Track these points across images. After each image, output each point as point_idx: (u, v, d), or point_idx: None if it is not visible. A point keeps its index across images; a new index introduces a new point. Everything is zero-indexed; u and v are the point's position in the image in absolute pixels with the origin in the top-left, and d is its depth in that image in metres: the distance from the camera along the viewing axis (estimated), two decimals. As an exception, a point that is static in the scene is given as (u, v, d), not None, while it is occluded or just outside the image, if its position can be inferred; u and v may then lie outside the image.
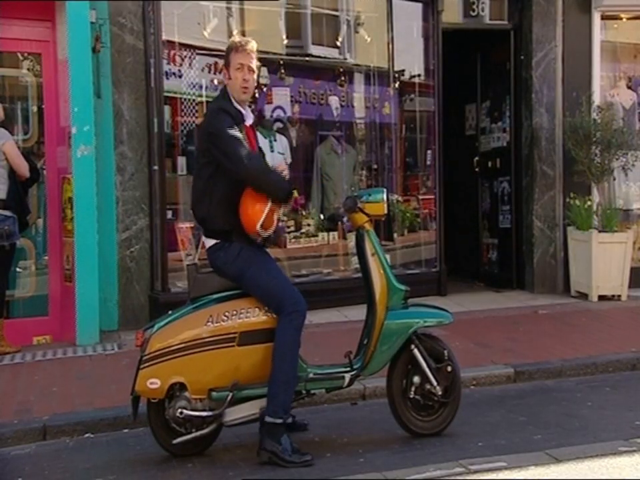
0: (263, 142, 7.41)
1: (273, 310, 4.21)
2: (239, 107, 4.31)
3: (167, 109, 7.43)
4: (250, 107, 4.51)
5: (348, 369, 4.37)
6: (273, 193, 4.18)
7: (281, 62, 8.24)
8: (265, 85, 8.05)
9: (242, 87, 4.31)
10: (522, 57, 8.69)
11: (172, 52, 7.50)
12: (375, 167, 8.82)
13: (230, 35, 8.00)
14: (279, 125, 8.35)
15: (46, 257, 7.14)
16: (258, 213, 4.15)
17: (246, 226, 4.18)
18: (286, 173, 4.35)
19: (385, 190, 4.54)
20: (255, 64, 4.37)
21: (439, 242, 8.56)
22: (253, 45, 4.36)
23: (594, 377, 5.79)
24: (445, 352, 4.46)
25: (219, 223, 4.26)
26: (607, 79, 8.92)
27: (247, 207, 4.17)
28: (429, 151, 8.85)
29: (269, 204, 4.16)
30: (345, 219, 4.56)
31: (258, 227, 4.15)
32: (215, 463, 4.26)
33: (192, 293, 4.34)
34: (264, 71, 7.83)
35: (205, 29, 7.78)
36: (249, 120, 4.39)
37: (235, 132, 4.19)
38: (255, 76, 4.41)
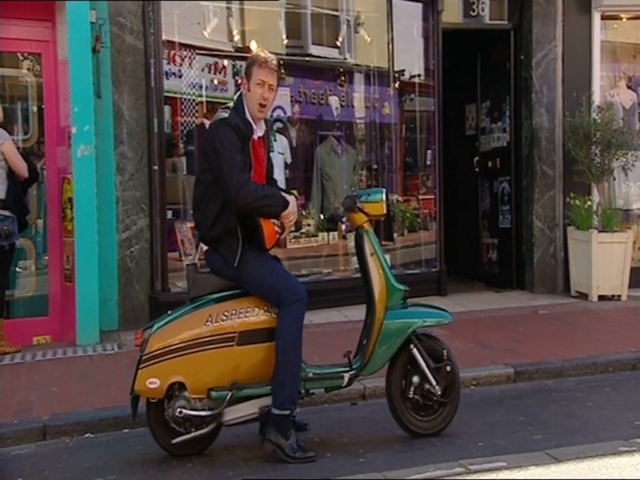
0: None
1: (274, 303, 4.21)
2: (250, 119, 4.28)
3: (167, 109, 7.44)
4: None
5: (347, 368, 4.37)
6: (263, 215, 4.21)
7: (281, 62, 8.22)
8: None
9: (259, 103, 4.28)
10: (522, 57, 8.69)
11: (172, 52, 7.50)
12: (375, 167, 8.83)
13: (230, 35, 8.01)
14: (278, 124, 8.35)
15: (46, 257, 7.14)
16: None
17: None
18: (294, 210, 4.32)
19: (384, 190, 4.54)
20: (276, 82, 4.35)
21: (439, 242, 8.56)
22: (276, 63, 4.35)
23: (594, 376, 5.79)
24: (445, 352, 4.45)
25: (211, 231, 4.26)
26: (607, 78, 8.92)
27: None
28: (428, 151, 8.85)
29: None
30: (344, 219, 4.55)
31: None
32: (215, 463, 4.26)
33: (191, 293, 4.34)
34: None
35: (205, 29, 7.79)
36: (259, 132, 4.36)
37: (237, 153, 4.15)
38: (275, 94, 4.38)
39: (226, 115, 4.27)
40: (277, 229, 4.27)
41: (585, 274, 8.13)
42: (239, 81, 7.53)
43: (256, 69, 4.30)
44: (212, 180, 4.25)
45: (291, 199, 4.33)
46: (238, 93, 4.46)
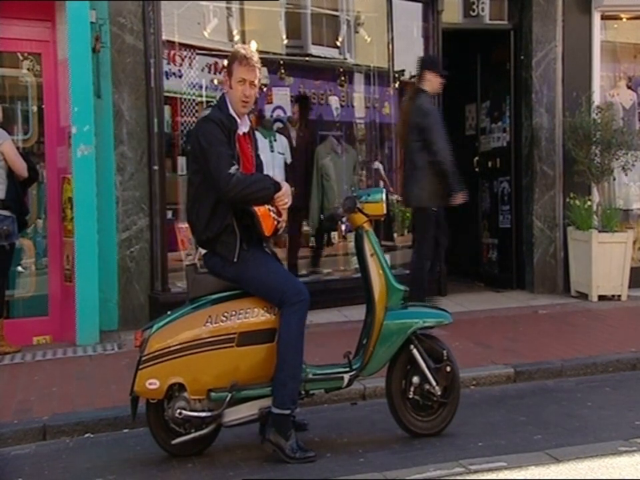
0: (263, 142, 7.42)
1: (276, 304, 4.20)
2: (233, 115, 4.29)
3: (166, 109, 7.44)
4: (249, 113, 4.48)
5: (347, 369, 4.37)
6: (256, 201, 4.20)
7: (281, 62, 8.25)
8: (265, 85, 8.06)
9: (242, 100, 4.28)
10: (522, 57, 8.68)
11: (172, 52, 7.51)
12: (375, 167, 8.83)
13: (230, 35, 8.02)
14: (279, 124, 8.35)
15: (46, 257, 7.13)
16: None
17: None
18: (287, 193, 4.31)
19: (384, 190, 4.54)
20: (258, 78, 4.34)
21: (439, 242, 8.54)
22: (257, 58, 4.33)
23: (594, 376, 5.78)
24: (444, 352, 4.45)
25: (207, 231, 4.25)
26: (607, 78, 8.92)
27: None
28: (429, 151, 8.84)
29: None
30: (344, 219, 4.55)
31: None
32: (215, 463, 4.26)
33: (191, 294, 4.34)
34: (264, 70, 7.82)
35: (205, 29, 7.79)
36: (244, 128, 4.36)
37: (222, 147, 4.16)
38: (257, 89, 4.39)
39: (208, 112, 4.30)
40: (273, 215, 4.25)
41: (585, 274, 8.13)
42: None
43: (236, 67, 4.29)
44: (201, 180, 4.26)
45: (284, 183, 4.32)
46: (220, 94, 4.46)
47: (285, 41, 8.35)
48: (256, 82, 4.33)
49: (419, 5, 8.64)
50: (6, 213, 6.39)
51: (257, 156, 4.53)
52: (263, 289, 4.24)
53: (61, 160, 7.02)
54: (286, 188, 4.29)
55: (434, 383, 4.38)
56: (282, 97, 8.34)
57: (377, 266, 4.41)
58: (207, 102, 7.57)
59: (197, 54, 7.65)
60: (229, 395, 4.16)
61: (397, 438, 4.48)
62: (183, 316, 4.25)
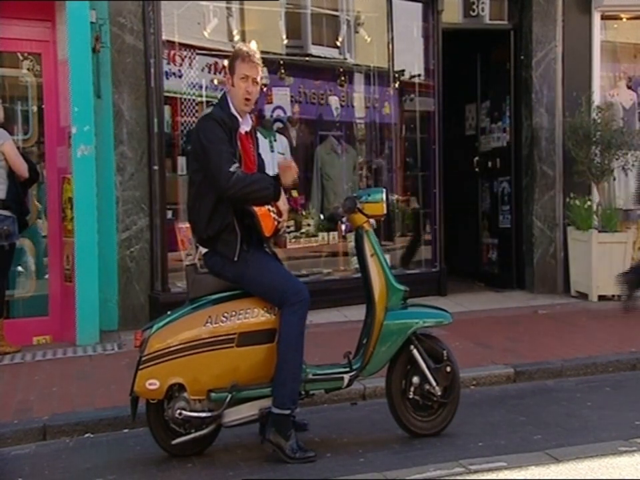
0: (263, 142, 7.42)
1: (276, 304, 4.20)
2: (235, 113, 4.29)
3: (166, 109, 7.44)
4: (251, 112, 4.48)
5: (347, 369, 4.37)
6: (257, 201, 4.20)
7: (281, 62, 8.25)
8: (265, 85, 8.05)
9: (244, 98, 4.28)
10: (522, 57, 8.69)
11: (172, 52, 7.51)
12: (375, 167, 8.83)
13: (230, 35, 8.02)
14: (279, 124, 8.35)
15: (45, 257, 7.13)
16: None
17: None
18: (294, 170, 4.34)
19: (384, 190, 4.53)
20: (260, 76, 4.34)
21: (439, 242, 8.56)
22: (259, 56, 4.34)
23: (594, 376, 5.78)
24: (444, 352, 4.45)
25: (207, 230, 4.25)
26: (606, 78, 8.93)
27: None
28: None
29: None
30: (344, 219, 4.55)
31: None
32: (215, 463, 4.26)
33: (191, 294, 4.34)
34: (264, 71, 7.82)
35: (205, 29, 7.79)
36: (246, 127, 4.35)
37: (223, 145, 4.15)
38: (259, 88, 4.39)
39: (210, 111, 4.30)
40: (273, 215, 4.25)
41: (585, 274, 8.13)
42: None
43: (239, 64, 4.29)
44: (202, 179, 4.25)
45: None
46: (222, 93, 4.46)
47: (285, 41, 8.35)
48: (258, 79, 4.33)
49: (419, 5, 8.65)
50: (6, 213, 6.39)
51: (259, 155, 4.53)
52: (263, 289, 4.23)
53: (61, 160, 7.02)
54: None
55: (434, 383, 4.38)
56: (282, 96, 8.33)
57: (377, 266, 4.41)
58: (207, 102, 7.56)
59: (197, 54, 7.64)
60: (229, 395, 4.16)
61: (397, 438, 4.48)
62: (183, 316, 4.24)
